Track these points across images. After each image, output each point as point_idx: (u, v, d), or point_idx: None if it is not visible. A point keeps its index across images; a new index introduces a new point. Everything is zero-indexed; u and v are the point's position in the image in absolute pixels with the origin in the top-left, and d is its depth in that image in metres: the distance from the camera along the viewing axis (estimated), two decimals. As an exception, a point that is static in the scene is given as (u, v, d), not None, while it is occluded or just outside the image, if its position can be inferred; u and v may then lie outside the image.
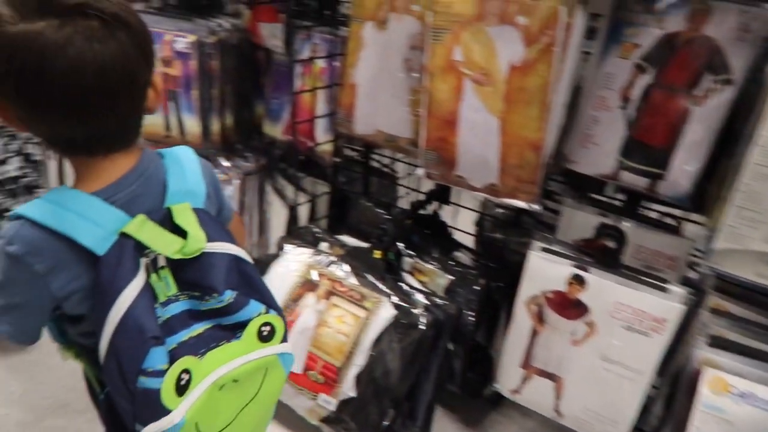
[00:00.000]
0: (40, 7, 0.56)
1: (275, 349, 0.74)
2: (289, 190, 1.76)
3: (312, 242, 1.51)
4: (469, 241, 1.67)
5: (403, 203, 1.95)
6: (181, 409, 0.64)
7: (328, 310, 1.32)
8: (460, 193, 1.53)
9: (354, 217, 1.70)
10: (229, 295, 0.69)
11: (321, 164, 1.72)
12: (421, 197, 1.56)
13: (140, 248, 0.66)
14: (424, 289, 1.37)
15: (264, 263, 1.45)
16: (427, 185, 1.68)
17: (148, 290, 0.66)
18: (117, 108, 0.64)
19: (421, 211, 1.55)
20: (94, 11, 0.57)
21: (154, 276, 0.67)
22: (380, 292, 1.31)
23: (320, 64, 1.59)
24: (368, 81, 1.39)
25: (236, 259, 0.73)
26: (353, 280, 1.34)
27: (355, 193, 1.80)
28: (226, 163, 1.78)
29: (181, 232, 0.68)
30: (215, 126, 1.71)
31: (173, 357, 0.65)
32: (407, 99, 1.33)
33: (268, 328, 0.73)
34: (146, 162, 0.72)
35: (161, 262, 0.67)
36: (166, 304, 0.67)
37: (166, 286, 0.67)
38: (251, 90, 1.82)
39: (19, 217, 0.65)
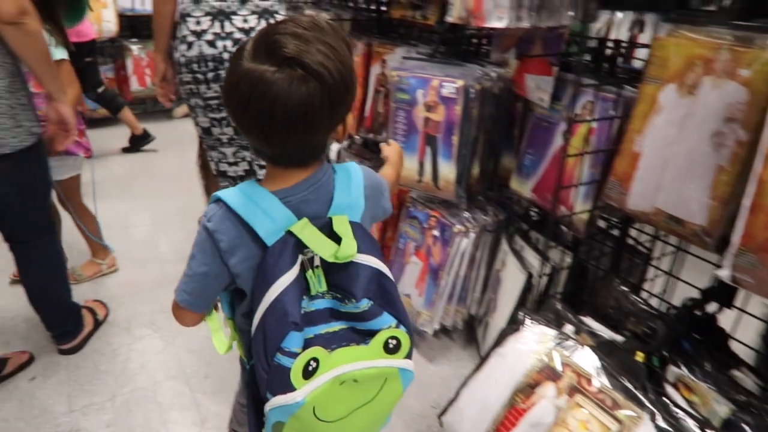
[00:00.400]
0: (266, 53, 0.70)
1: (398, 363, 0.79)
2: (529, 253, 1.62)
3: (555, 321, 1.34)
4: (750, 357, 1.33)
5: (650, 286, 1.67)
6: (304, 390, 0.72)
7: (570, 409, 1.14)
8: (749, 297, 1.23)
9: (601, 297, 1.48)
10: (365, 303, 0.76)
11: (569, 231, 1.55)
12: (682, 287, 1.29)
13: (301, 246, 0.76)
14: (695, 413, 1.10)
15: (499, 333, 1.33)
16: (693, 275, 1.40)
17: (300, 283, 0.75)
18: (294, 139, 0.75)
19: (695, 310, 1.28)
20: (299, 64, 0.69)
21: (310, 272, 0.76)
22: (640, 404, 1.08)
23: (591, 123, 1.44)
24: (656, 151, 1.19)
25: (379, 273, 0.79)
26: (605, 381, 1.14)
27: (604, 270, 1.58)
28: (465, 214, 1.72)
29: (337, 240, 0.77)
30: (466, 175, 1.66)
31: (308, 344, 0.74)
32: (709, 179, 1.10)
33: (394, 341, 0.78)
34: (320, 174, 0.83)
35: (317, 261, 0.77)
36: (314, 298, 0.77)
37: (318, 282, 0.77)
38: (501, 141, 1.75)
39: (218, 200, 0.80)
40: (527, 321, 1.32)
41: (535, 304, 1.56)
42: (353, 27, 2.23)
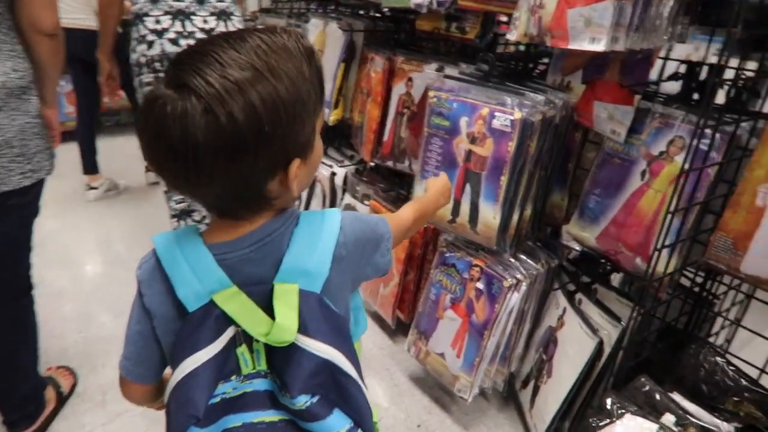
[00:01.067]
0: (174, 79, 0.56)
1: None
2: (591, 310, 1.38)
3: (648, 407, 1.09)
4: None
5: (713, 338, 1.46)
6: None
7: None
8: None
9: (686, 367, 1.25)
10: (302, 401, 0.61)
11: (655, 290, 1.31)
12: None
13: (231, 318, 0.63)
14: None
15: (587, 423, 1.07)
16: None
17: (219, 362, 0.62)
18: (195, 183, 0.59)
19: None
20: (189, 94, 0.54)
21: (243, 347, 0.63)
22: None
23: (679, 164, 1.20)
24: (790, 207, 0.96)
25: (330, 365, 0.63)
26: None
27: (686, 333, 1.36)
28: (512, 260, 1.46)
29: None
30: (514, 218, 1.40)
31: None
32: None
33: None
34: (270, 228, 0.66)
35: None
36: (251, 377, 0.64)
37: (256, 360, 0.64)
38: (554, 178, 1.50)
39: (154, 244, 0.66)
40: (617, 410, 1.08)
41: (605, 375, 1.31)
42: (368, 39, 1.95)
